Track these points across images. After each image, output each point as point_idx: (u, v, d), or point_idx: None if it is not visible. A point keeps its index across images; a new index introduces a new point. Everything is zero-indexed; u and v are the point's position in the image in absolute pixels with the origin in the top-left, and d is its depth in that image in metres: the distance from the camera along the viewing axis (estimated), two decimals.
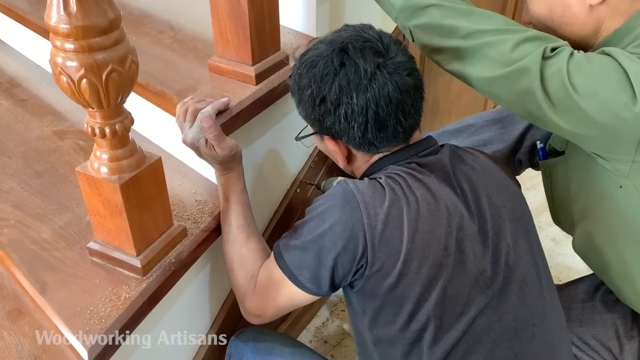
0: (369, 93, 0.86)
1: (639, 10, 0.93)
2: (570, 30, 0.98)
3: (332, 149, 0.95)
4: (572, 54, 0.88)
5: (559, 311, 0.98)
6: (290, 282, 0.90)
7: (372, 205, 0.84)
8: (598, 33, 0.97)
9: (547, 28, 1.00)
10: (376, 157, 0.94)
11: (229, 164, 0.99)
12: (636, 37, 0.92)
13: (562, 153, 1.08)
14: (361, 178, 0.93)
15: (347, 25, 0.94)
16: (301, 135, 1.00)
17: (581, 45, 0.98)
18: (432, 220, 0.86)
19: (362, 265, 0.85)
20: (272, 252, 0.95)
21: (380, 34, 0.90)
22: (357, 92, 0.86)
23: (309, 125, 0.97)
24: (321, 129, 0.93)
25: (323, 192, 1.27)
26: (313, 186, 1.36)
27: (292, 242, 0.90)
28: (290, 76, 0.96)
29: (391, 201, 0.85)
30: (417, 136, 0.95)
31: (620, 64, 0.84)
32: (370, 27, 0.92)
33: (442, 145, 0.97)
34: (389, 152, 0.93)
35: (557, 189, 1.13)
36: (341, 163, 0.97)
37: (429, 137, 0.96)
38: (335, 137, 0.93)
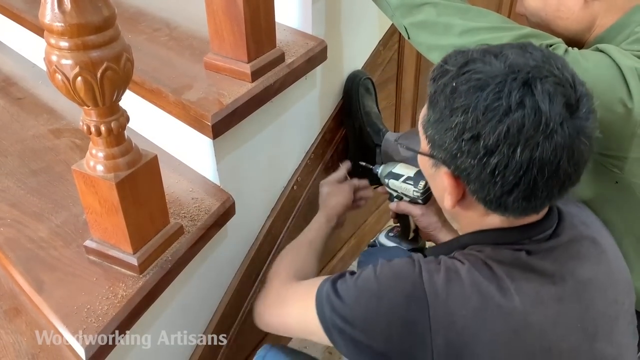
0: (537, 152, 0.65)
1: (633, 7, 0.93)
2: (564, 24, 0.98)
3: (445, 186, 0.75)
4: (566, 50, 0.88)
5: None
6: (323, 331, 0.79)
7: (445, 312, 0.69)
8: (591, 29, 0.97)
9: (540, 21, 1.01)
10: (492, 219, 0.76)
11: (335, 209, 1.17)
12: (630, 34, 0.92)
13: None
14: (452, 242, 0.82)
15: (533, 46, 0.71)
16: (408, 144, 0.86)
17: (574, 41, 0.98)
18: (527, 335, 0.71)
19: None
20: (316, 287, 0.82)
21: (575, 77, 0.69)
22: (525, 146, 0.65)
23: (425, 142, 0.77)
24: (447, 162, 0.73)
25: (378, 177, 1.19)
26: (369, 170, 1.24)
27: (339, 305, 0.76)
28: (433, 79, 0.75)
29: (473, 309, 0.69)
30: (545, 208, 0.78)
31: (614, 61, 0.85)
32: (564, 63, 0.70)
33: (560, 216, 0.79)
34: (505, 225, 0.76)
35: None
36: (447, 204, 0.77)
37: (552, 209, 0.79)
38: (458, 177, 0.73)
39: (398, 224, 1.20)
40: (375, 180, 1.23)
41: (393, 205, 1.16)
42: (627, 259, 1.02)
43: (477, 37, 0.93)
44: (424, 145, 0.77)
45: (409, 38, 1.04)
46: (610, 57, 0.86)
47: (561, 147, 0.66)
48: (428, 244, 1.22)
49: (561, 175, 0.68)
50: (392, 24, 1.52)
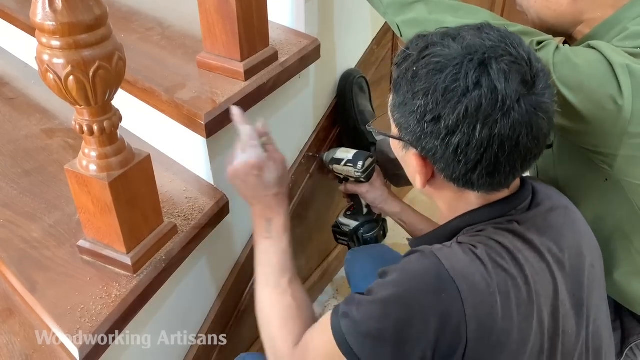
0: (497, 129, 0.68)
1: (625, 4, 0.93)
2: (551, 15, 0.98)
3: (415, 167, 0.77)
4: (557, 47, 0.88)
5: None
6: None
7: (475, 292, 0.68)
8: (577, 23, 0.97)
9: (529, 7, 1.01)
10: (468, 196, 0.78)
11: (284, 182, 0.93)
12: (622, 30, 0.93)
13: (548, 146, 1.09)
14: (446, 228, 0.81)
15: (490, 26, 0.73)
16: (377, 129, 0.87)
17: (558, 33, 0.99)
18: (541, 301, 0.72)
19: None
20: (330, 326, 0.75)
21: (531, 55, 0.71)
22: (484, 124, 0.67)
23: (394, 125, 0.79)
24: (413, 144, 0.75)
25: (325, 164, 1.29)
26: (317, 158, 1.37)
27: (362, 327, 0.71)
28: (397, 64, 0.76)
29: (497, 285, 0.69)
30: (516, 183, 0.80)
31: (605, 57, 0.85)
32: (521, 42, 0.72)
33: (535, 188, 0.83)
34: (487, 201, 0.78)
35: (544, 181, 1.14)
36: (418, 184, 0.79)
37: (525, 181, 0.82)
38: (425, 158, 0.76)
39: (352, 203, 1.31)
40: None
41: (342, 187, 1.28)
42: (614, 255, 1.03)
43: None
44: (394, 129, 0.79)
45: (401, 36, 1.04)
46: (601, 53, 0.86)
47: (519, 123, 0.68)
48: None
49: (522, 149, 0.70)
50: (385, 23, 1.53)
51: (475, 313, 0.68)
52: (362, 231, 1.29)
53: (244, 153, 0.91)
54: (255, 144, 0.91)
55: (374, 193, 1.23)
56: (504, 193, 0.78)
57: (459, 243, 0.75)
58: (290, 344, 0.84)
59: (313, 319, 0.88)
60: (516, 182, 0.80)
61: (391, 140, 0.82)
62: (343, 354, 0.72)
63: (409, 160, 0.78)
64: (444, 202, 0.82)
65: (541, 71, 0.71)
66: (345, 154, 1.25)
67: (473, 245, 0.73)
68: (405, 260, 0.74)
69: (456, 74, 0.68)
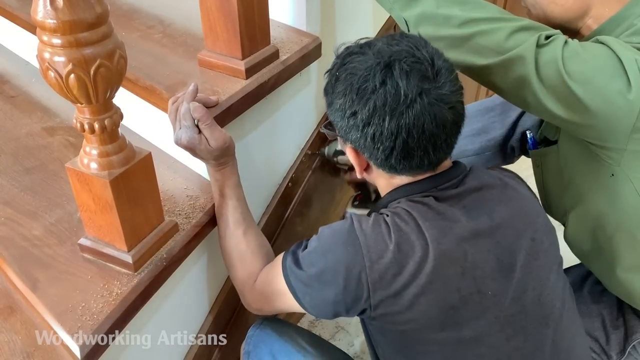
0: (402, 120, 0.80)
1: (632, 0, 0.93)
2: (558, 10, 0.98)
3: (352, 158, 0.92)
4: (566, 42, 0.88)
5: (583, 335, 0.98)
6: (294, 299, 0.90)
7: (375, 249, 0.82)
8: (584, 18, 0.97)
9: (535, 3, 1.01)
10: (397, 180, 0.90)
11: (223, 157, 0.97)
12: (629, 27, 0.92)
13: (553, 142, 1.09)
14: (377, 202, 0.92)
15: (403, 35, 0.86)
16: (328, 129, 0.97)
17: (566, 28, 0.98)
18: (443, 261, 0.82)
19: (365, 309, 0.84)
20: (280, 262, 0.92)
21: (434, 56, 0.83)
22: (391, 116, 0.80)
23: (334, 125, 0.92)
24: (344, 137, 0.89)
25: (327, 158, 1.31)
26: (317, 155, 1.37)
27: (297, 271, 0.88)
28: (327, 71, 0.90)
29: (397, 244, 0.82)
30: (445, 164, 0.90)
31: (614, 52, 0.85)
32: (426, 44, 0.84)
33: (470, 171, 0.92)
34: (411, 180, 0.89)
35: (548, 177, 1.14)
36: (358, 173, 0.94)
37: (457, 165, 0.92)
38: (357, 150, 0.89)
39: (359, 192, 1.33)
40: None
41: (347, 177, 1.34)
42: (618, 252, 1.02)
43: (476, 28, 0.93)
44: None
45: (408, 31, 1.04)
46: (610, 48, 0.86)
47: (422, 114, 0.80)
48: None
49: (428, 135, 0.81)
50: (387, 21, 1.53)
51: (375, 266, 0.81)
52: None
53: (178, 130, 0.96)
54: (187, 124, 0.94)
55: None
56: (427, 174, 0.89)
57: (379, 213, 0.87)
58: (250, 282, 1.00)
59: (269, 257, 1.03)
60: (445, 164, 0.90)
61: (338, 138, 0.94)
62: (286, 286, 0.89)
63: (348, 153, 0.91)
64: (381, 186, 0.94)
65: (443, 68, 0.82)
66: None
67: (386, 214, 0.86)
68: (334, 222, 0.89)
69: (366, 75, 0.81)
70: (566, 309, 0.92)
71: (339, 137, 0.93)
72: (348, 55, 0.86)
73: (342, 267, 0.83)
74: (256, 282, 0.99)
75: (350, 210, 1.34)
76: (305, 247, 0.90)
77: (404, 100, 0.79)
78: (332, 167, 1.43)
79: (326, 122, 0.99)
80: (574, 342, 0.94)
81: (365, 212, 1.28)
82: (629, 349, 1.09)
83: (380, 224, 0.84)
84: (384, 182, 0.93)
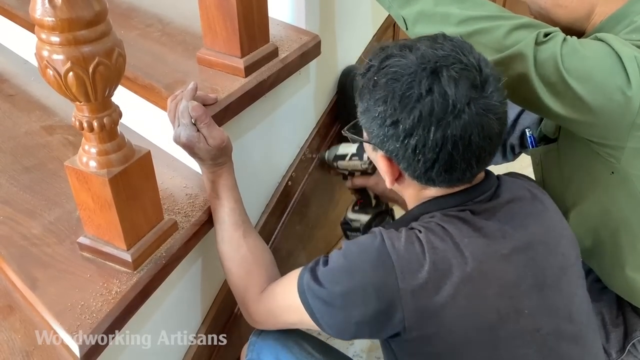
0: (449, 130, 0.75)
1: None
2: (563, 13, 0.98)
3: (383, 167, 0.86)
4: (565, 39, 0.88)
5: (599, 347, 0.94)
6: (308, 316, 0.84)
7: (408, 270, 0.76)
8: (590, 17, 0.97)
9: (540, 9, 1.01)
10: (429, 191, 0.86)
11: (220, 157, 0.96)
12: (629, 23, 0.92)
13: (553, 140, 1.08)
14: (406, 216, 0.88)
15: (447, 38, 0.80)
16: (353, 134, 0.92)
17: (572, 30, 0.98)
18: (482, 281, 0.78)
19: (398, 332, 0.79)
20: (296, 278, 0.86)
21: (481, 61, 0.78)
22: (437, 126, 0.75)
23: (364, 130, 0.87)
24: (379, 146, 0.83)
25: (327, 163, 1.28)
26: (315, 159, 1.35)
27: (317, 288, 0.82)
28: (361, 74, 0.84)
29: (432, 263, 0.76)
30: (480, 175, 0.86)
31: (613, 49, 0.85)
32: (471, 50, 0.79)
33: (499, 180, 0.88)
34: (444, 193, 0.85)
35: (548, 175, 1.14)
36: (388, 183, 0.88)
37: (489, 175, 0.88)
38: (391, 159, 0.83)
39: (360, 197, 1.29)
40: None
41: (349, 183, 1.28)
42: (620, 250, 1.02)
43: (475, 26, 0.93)
44: (365, 133, 0.87)
45: (406, 29, 1.03)
46: (609, 45, 0.86)
47: (470, 124, 0.75)
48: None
49: (474, 148, 0.77)
50: (386, 19, 1.53)
51: (409, 288, 0.75)
52: (375, 224, 1.28)
53: (177, 128, 0.94)
54: (185, 122, 0.93)
55: (383, 183, 1.20)
56: (462, 186, 0.84)
57: (410, 228, 0.82)
58: (255, 291, 0.95)
59: (273, 265, 1.00)
60: (480, 176, 0.86)
61: (365, 144, 0.89)
62: (303, 305, 0.84)
63: (379, 162, 0.86)
64: (410, 196, 0.90)
65: (491, 75, 0.77)
66: (348, 148, 1.23)
67: (418, 230, 0.80)
68: (361, 237, 0.84)
69: (411, 82, 0.76)
70: (591, 324, 0.90)
71: (365, 144, 0.88)
72: (386, 59, 0.80)
73: (371, 288, 0.77)
74: (263, 295, 0.94)
75: (351, 215, 1.31)
76: (326, 263, 0.84)
77: (452, 109, 0.74)
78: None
79: (350, 125, 0.95)
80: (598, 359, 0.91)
81: (366, 217, 1.28)
82: (628, 347, 1.09)
83: (413, 241, 0.79)
84: (413, 193, 0.88)
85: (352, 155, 1.21)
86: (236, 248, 0.99)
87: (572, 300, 0.85)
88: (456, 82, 0.75)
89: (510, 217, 0.84)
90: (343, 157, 1.22)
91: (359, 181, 1.25)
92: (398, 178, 0.86)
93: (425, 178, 0.81)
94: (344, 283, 0.80)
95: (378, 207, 1.29)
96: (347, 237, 1.35)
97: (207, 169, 0.98)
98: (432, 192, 0.86)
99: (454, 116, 0.75)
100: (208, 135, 0.93)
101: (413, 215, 0.87)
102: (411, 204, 0.90)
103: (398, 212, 1.32)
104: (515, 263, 0.80)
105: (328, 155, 1.26)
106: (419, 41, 0.81)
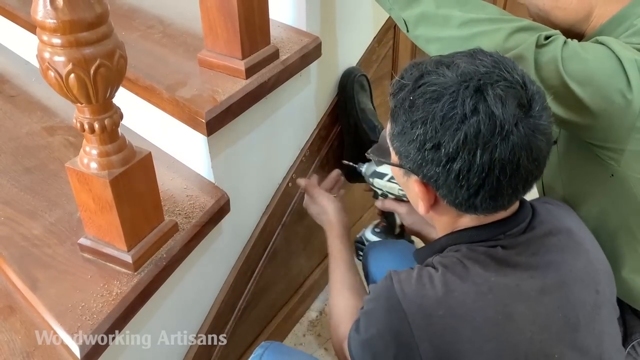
0: (497, 154, 0.68)
1: (632, 1, 0.93)
2: (562, 15, 0.98)
3: (417, 193, 0.78)
4: (566, 42, 0.88)
5: None
6: None
7: (421, 316, 0.72)
8: (589, 19, 0.97)
9: (538, 11, 1.01)
10: (464, 220, 0.79)
11: (324, 211, 1.14)
12: (629, 26, 0.93)
13: (553, 143, 1.09)
14: (431, 244, 0.85)
15: (486, 54, 0.74)
16: (378, 156, 0.87)
17: (571, 32, 0.99)
18: (509, 326, 0.72)
19: None
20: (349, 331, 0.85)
21: (525, 78, 0.71)
22: (484, 149, 0.68)
23: (393, 153, 0.80)
24: (415, 171, 0.76)
25: (363, 176, 1.21)
26: (350, 167, 1.25)
27: (354, 335, 0.81)
28: (392, 94, 0.77)
29: (449, 308, 0.71)
30: (514, 206, 0.80)
31: (613, 52, 0.85)
32: (514, 65, 0.72)
33: (533, 210, 0.82)
34: (477, 224, 0.79)
35: (548, 177, 1.14)
36: (423, 210, 0.80)
37: (524, 205, 0.82)
38: (427, 184, 0.76)
39: (384, 221, 1.23)
40: (359, 177, 1.24)
41: (379, 203, 1.20)
42: (619, 252, 1.02)
43: (476, 29, 0.93)
44: (393, 156, 0.80)
45: (407, 31, 1.04)
46: (609, 48, 0.86)
47: (518, 147, 0.69)
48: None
49: (522, 172, 0.71)
50: (387, 21, 1.53)
51: (425, 335, 0.71)
52: None
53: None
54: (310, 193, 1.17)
55: (414, 215, 1.13)
56: (500, 215, 0.78)
57: (426, 265, 0.78)
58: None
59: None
60: (514, 205, 0.80)
61: (392, 167, 0.83)
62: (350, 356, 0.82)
63: (411, 187, 0.78)
64: (442, 224, 0.83)
65: (536, 93, 0.71)
66: (389, 168, 1.13)
67: (435, 269, 0.76)
68: (379, 281, 0.80)
69: (453, 101, 0.69)
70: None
71: (394, 167, 0.81)
72: (421, 77, 0.73)
73: (388, 335, 0.74)
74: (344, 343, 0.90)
75: (369, 235, 1.26)
76: (361, 309, 0.82)
77: (500, 130, 0.68)
78: (332, 167, 1.43)
79: (374, 147, 0.90)
80: None
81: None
82: (628, 349, 1.09)
83: (425, 283, 0.74)
84: (448, 221, 0.81)
85: (392, 177, 1.13)
86: (355, 303, 0.98)
87: (603, 340, 0.80)
88: (503, 101, 0.68)
89: (545, 252, 0.78)
90: (381, 175, 1.15)
91: (390, 205, 1.17)
92: (433, 205, 0.79)
93: (467, 205, 0.75)
94: (366, 333, 0.78)
95: (399, 237, 1.22)
96: (357, 257, 1.29)
97: (322, 224, 1.16)
98: (467, 220, 0.80)
99: (501, 138, 0.68)
100: (312, 196, 1.18)
101: (440, 245, 0.83)
102: (441, 232, 0.84)
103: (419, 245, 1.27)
104: (546, 304, 0.75)
105: (366, 169, 1.19)
106: (455, 57, 0.75)
